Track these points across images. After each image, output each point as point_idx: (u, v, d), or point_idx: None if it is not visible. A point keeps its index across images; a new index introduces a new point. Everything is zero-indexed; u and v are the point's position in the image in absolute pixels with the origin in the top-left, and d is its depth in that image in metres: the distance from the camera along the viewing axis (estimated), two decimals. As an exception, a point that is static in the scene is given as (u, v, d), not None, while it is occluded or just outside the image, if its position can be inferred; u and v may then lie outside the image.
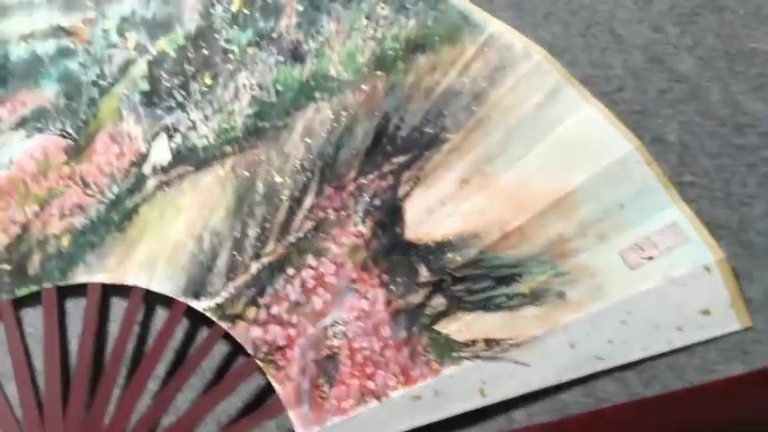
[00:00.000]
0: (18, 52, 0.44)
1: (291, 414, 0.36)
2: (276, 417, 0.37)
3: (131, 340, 0.40)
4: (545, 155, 0.39)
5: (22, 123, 0.43)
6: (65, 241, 0.41)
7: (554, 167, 0.39)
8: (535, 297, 0.37)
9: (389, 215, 0.39)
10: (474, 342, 0.37)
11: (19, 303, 0.40)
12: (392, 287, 0.38)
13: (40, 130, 0.43)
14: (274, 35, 0.43)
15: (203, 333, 0.40)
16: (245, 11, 0.44)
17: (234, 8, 0.44)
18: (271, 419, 0.38)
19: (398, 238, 0.39)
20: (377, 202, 0.40)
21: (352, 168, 0.40)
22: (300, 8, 0.43)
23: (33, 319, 0.41)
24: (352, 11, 0.43)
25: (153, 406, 0.38)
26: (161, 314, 0.41)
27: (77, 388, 0.38)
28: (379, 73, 0.41)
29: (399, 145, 0.40)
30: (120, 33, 0.44)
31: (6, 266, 0.41)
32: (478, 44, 0.41)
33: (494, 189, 0.39)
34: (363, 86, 0.41)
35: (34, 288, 0.40)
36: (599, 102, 0.39)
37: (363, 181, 0.40)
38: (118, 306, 0.41)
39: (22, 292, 0.40)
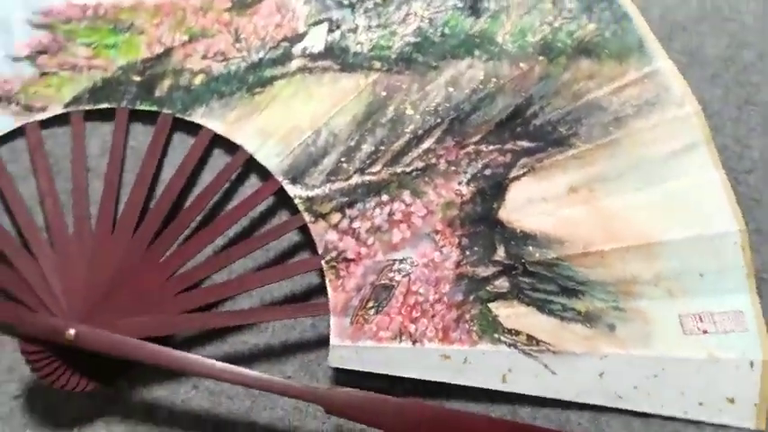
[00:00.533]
0: None
1: (332, 320, 0.38)
2: (316, 316, 0.39)
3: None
4: (655, 198, 0.40)
5: (202, -44, 0.44)
6: (197, 79, 0.43)
7: (658, 213, 0.39)
8: (588, 318, 0.39)
9: (493, 189, 0.40)
10: (517, 333, 0.38)
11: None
12: (467, 252, 0.40)
13: (215, -28, 0.44)
14: (461, -20, 0.43)
15: (281, 216, 0.42)
16: (444, -54, 0.44)
17: (434, -61, 0.44)
18: (310, 317, 0.39)
19: (492, 213, 0.40)
20: (487, 172, 0.41)
21: (479, 133, 0.41)
22: (495, -34, 0.43)
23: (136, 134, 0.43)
24: (541, -11, 0.43)
25: (212, 259, 0.40)
26: (253, 182, 0.42)
27: (153, 217, 0.40)
28: (540, 58, 0.42)
29: (530, 131, 0.41)
30: None
31: (137, 78, 0.43)
32: (642, 73, 0.41)
33: (595, 208, 0.40)
34: (522, 64, 0.42)
35: (154, 108, 0.42)
36: (726, 174, 0.40)
37: (483, 148, 0.41)
38: (221, 159, 0.43)
39: (143, 106, 0.42)
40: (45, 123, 0.41)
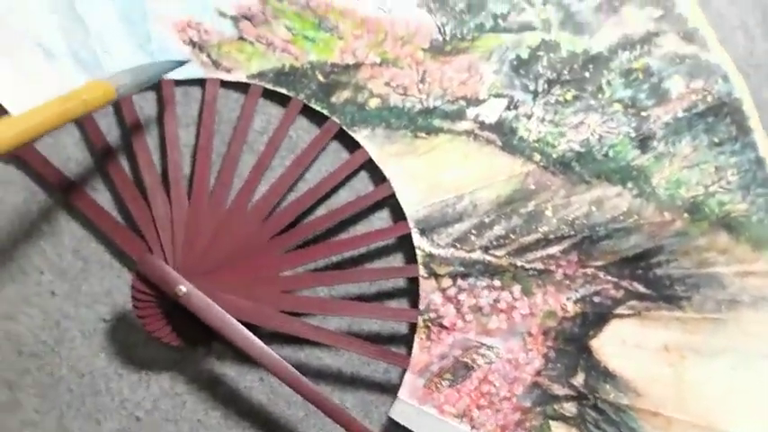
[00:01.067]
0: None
1: (407, 376, 0.40)
2: (392, 364, 0.41)
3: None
4: (736, 389, 0.41)
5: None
6: (373, 102, 0.44)
7: (732, 404, 0.41)
8: (632, 472, 0.40)
9: (595, 316, 0.42)
10: (564, 463, 0.40)
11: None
12: (549, 365, 0.41)
13: (429, 10, 0.46)
14: (643, 113, 0.45)
15: (396, 260, 0.44)
16: (640, 75, 0.45)
17: (635, 65, 0.45)
18: (388, 363, 0.41)
19: (585, 338, 0.41)
20: (596, 298, 0.42)
21: (603, 259, 0.43)
22: (680, 114, 0.44)
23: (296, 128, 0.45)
24: (711, 153, 0.44)
25: (324, 273, 0.43)
26: (383, 216, 0.44)
27: (291, 209, 0.43)
28: (685, 215, 0.43)
29: (649, 278, 0.43)
30: (545, 1, 0.45)
31: (321, 78, 0.44)
32: (771, 268, 0.42)
33: (679, 374, 0.41)
34: (666, 213, 0.43)
35: (325, 112, 0.44)
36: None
37: (601, 275, 0.42)
38: (362, 182, 0.44)
39: (316, 106, 0.44)
40: (225, 84, 0.42)
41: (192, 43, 0.43)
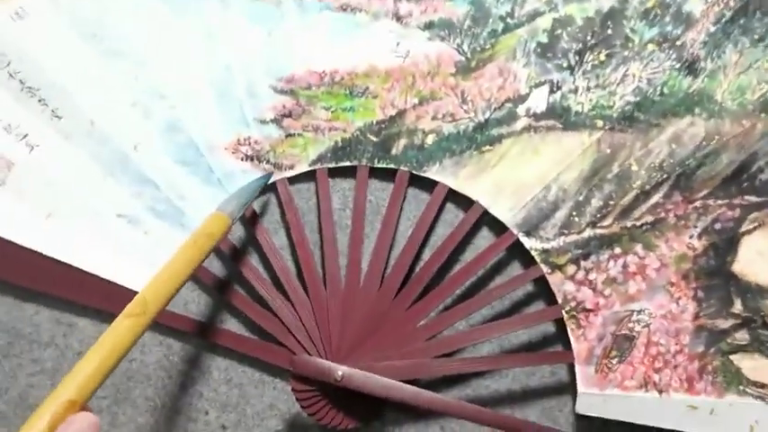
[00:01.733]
0: (447, -35, 0.48)
1: (578, 369, 0.39)
2: (557, 363, 0.41)
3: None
4: None
5: (428, 26, 0.47)
6: (430, 139, 0.45)
7: None
8: (830, 372, 0.39)
9: (725, 242, 0.41)
10: (763, 385, 0.39)
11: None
12: (704, 305, 0.40)
13: (441, 39, 0.47)
14: (678, 42, 0.45)
15: (513, 267, 0.44)
16: (659, 11, 0.46)
17: (649, 4, 0.46)
18: (554, 363, 0.41)
19: (725, 266, 0.41)
20: (717, 226, 0.41)
21: (706, 187, 0.42)
22: (712, 29, 0.45)
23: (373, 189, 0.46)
24: (758, 50, 0.44)
25: (452, 311, 0.42)
26: (485, 235, 0.44)
27: (398, 269, 0.43)
28: (762, 115, 0.43)
29: (756, 186, 0.42)
30: (540, -16, 0.47)
31: (374, 138, 0.45)
32: None
33: (829, 262, 0.40)
34: (744, 121, 0.43)
35: (391, 166, 0.45)
36: None
37: (711, 202, 0.42)
38: (450, 213, 0.45)
39: (381, 164, 0.45)
40: (292, 180, 0.44)
41: (249, 157, 0.45)
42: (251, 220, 0.43)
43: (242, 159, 0.45)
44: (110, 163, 0.45)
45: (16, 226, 0.44)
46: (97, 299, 0.43)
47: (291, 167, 0.45)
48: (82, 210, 0.44)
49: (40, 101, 0.45)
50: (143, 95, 0.45)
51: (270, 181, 0.44)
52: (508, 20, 0.45)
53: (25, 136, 0.45)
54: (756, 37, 0.43)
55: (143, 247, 0.44)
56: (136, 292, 0.31)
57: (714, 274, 0.40)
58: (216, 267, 0.43)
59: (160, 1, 0.45)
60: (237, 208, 0.37)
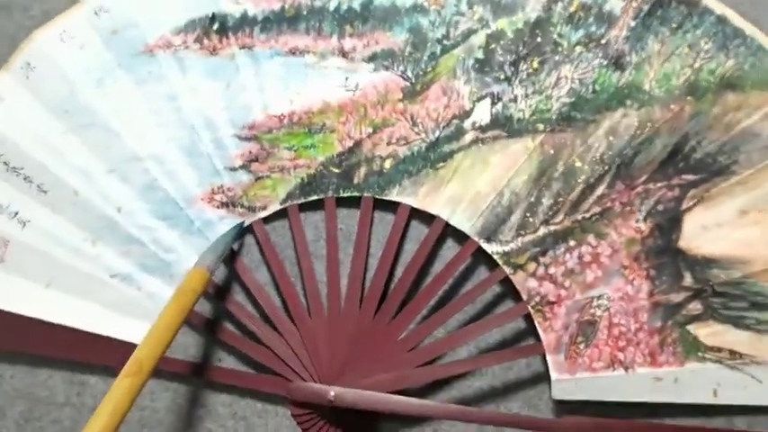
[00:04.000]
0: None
1: (549, 358, 0.42)
2: (531, 356, 0.43)
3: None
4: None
5: (372, 58, 0.50)
6: (387, 164, 0.48)
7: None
8: (781, 328, 0.41)
9: (669, 222, 0.44)
10: (720, 349, 0.41)
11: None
12: (657, 282, 0.43)
13: (386, 68, 0.49)
14: (603, 41, 0.47)
15: (479, 272, 0.47)
16: (581, 14, 0.48)
17: (572, 8, 0.48)
18: (527, 357, 0.44)
19: (672, 244, 0.43)
20: (660, 207, 0.44)
21: (645, 173, 0.45)
22: (632, 24, 0.47)
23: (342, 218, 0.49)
24: (677, 37, 0.47)
25: (429, 321, 0.44)
26: (450, 245, 0.47)
27: (374, 289, 0.45)
28: (688, 98, 0.45)
29: (691, 165, 0.44)
30: (469, 5, 0.49)
31: (336, 170, 0.48)
32: (787, 96, 0.44)
33: (766, 226, 0.43)
34: (672, 106, 0.45)
35: (355, 194, 0.47)
36: None
37: (651, 186, 0.44)
38: (416, 229, 0.48)
39: (346, 194, 0.48)
40: (266, 220, 0.47)
41: (224, 204, 0.48)
42: (231, 261, 0.46)
43: (218, 207, 0.47)
44: (97, 228, 0.47)
45: (19, 298, 0.46)
46: (104, 356, 0.46)
47: (264, 208, 0.47)
48: (77, 275, 0.47)
49: (25, 179, 0.48)
50: (118, 162, 0.48)
51: (246, 224, 0.46)
52: (445, 42, 0.48)
53: (16, 213, 0.48)
54: (675, 25, 0.45)
55: (138, 302, 0.47)
56: (136, 345, 0.34)
57: (662, 252, 0.42)
58: (207, 310, 0.46)
59: (123, 71, 0.48)
60: (214, 260, 0.40)
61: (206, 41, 0.48)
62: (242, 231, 0.46)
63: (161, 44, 0.48)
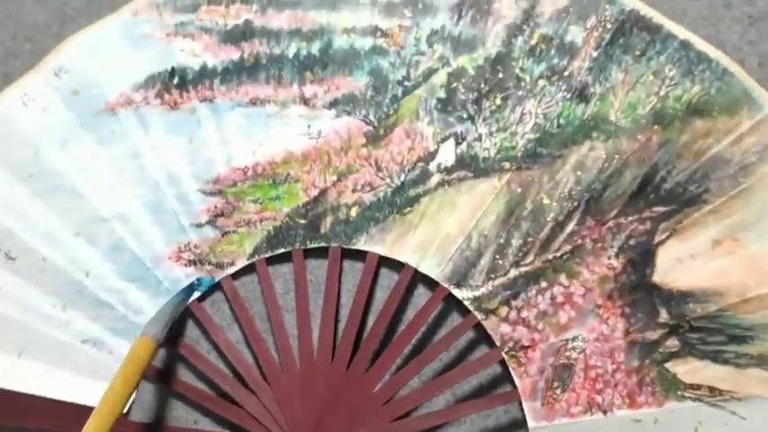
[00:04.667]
0: (340, 42, 0.50)
1: (525, 405, 0.42)
2: (508, 403, 0.43)
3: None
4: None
5: (333, 104, 0.50)
6: (353, 211, 0.48)
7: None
8: (762, 361, 0.40)
9: (641, 256, 0.43)
10: (699, 386, 0.41)
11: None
12: (632, 320, 0.42)
13: (348, 113, 0.49)
14: (566, 73, 0.47)
15: (452, 318, 0.47)
16: (543, 46, 0.48)
17: (533, 41, 0.48)
18: (503, 405, 0.43)
19: (646, 279, 0.43)
20: (632, 242, 0.44)
21: (615, 207, 0.44)
22: (595, 54, 0.47)
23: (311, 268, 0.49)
24: (641, 65, 0.46)
25: (403, 372, 0.44)
26: (421, 292, 0.47)
27: (346, 340, 0.45)
28: (655, 127, 0.45)
29: (662, 196, 0.44)
30: (429, 44, 0.49)
31: (302, 221, 0.48)
32: (755, 120, 0.44)
33: (742, 256, 0.42)
34: (639, 136, 0.45)
35: (323, 244, 0.47)
36: None
37: (623, 220, 0.44)
38: (386, 276, 0.47)
39: (313, 244, 0.48)
40: (235, 275, 0.47)
41: (191, 262, 0.48)
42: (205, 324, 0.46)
43: (185, 265, 0.48)
44: (67, 293, 0.48)
45: (-9, 370, 0.47)
46: (78, 425, 0.46)
47: (232, 263, 0.47)
48: (49, 343, 0.47)
49: (-7, 246, 0.48)
50: (84, 224, 0.48)
51: (216, 280, 0.46)
52: (406, 83, 0.48)
53: (-14, 283, 0.48)
54: (638, 53, 0.45)
55: (110, 365, 0.47)
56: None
57: (637, 288, 0.42)
58: (183, 374, 0.46)
59: (86, 131, 0.48)
60: (160, 329, 0.40)
61: (166, 96, 0.48)
62: (213, 286, 0.46)
63: (122, 101, 0.48)
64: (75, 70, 0.48)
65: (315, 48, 0.48)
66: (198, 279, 0.46)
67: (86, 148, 0.48)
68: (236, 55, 0.48)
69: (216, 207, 0.48)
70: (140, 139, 0.48)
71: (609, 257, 0.42)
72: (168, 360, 0.47)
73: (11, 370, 0.46)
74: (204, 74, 0.49)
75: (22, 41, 0.50)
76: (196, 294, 0.46)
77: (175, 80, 0.48)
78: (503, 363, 0.42)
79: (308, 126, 0.48)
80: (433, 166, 0.46)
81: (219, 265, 0.47)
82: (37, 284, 0.47)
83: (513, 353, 0.42)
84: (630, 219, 0.43)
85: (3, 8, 0.50)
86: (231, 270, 0.47)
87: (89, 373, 0.46)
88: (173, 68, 0.48)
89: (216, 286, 0.47)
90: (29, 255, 0.47)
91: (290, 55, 0.48)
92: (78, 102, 0.48)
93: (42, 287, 0.47)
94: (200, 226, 0.47)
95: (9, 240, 0.47)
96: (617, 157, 0.44)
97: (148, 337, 0.39)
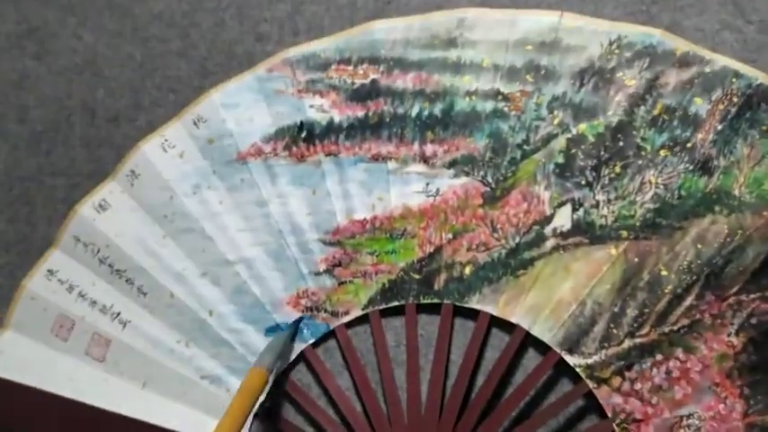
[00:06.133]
0: (462, 105, 0.54)
1: (637, 481, 0.43)
2: (617, 476, 0.44)
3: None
4: None
5: (452, 164, 0.53)
6: (467, 270, 0.51)
7: None
8: None
9: (763, 336, 0.44)
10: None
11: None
12: (751, 401, 0.43)
13: (466, 174, 0.53)
14: (689, 145, 0.49)
15: (561, 384, 0.48)
16: (665, 117, 0.50)
17: (655, 112, 0.50)
18: (612, 478, 0.44)
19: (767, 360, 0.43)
20: (753, 320, 0.44)
21: (736, 283, 0.45)
22: (719, 127, 0.49)
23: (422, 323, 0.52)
24: (766, 139, 0.48)
25: None
26: (531, 355, 0.49)
27: (454, 398, 0.47)
28: (782, 204, 0.46)
29: (787, 276, 0.45)
30: (550, 110, 0.52)
31: (416, 276, 0.51)
32: None
33: None
34: (765, 213, 0.46)
35: (435, 300, 0.51)
36: None
37: (744, 297, 0.45)
38: (496, 337, 0.50)
39: (426, 300, 0.51)
40: (348, 324, 0.51)
41: (308, 308, 0.53)
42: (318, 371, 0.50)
43: (303, 311, 0.52)
44: (191, 330, 0.53)
45: (117, 397, 0.52)
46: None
47: (347, 313, 0.51)
48: (171, 376, 0.52)
49: (127, 281, 0.54)
50: (211, 265, 0.53)
51: (331, 328, 0.51)
52: (525, 147, 0.51)
53: (118, 314, 0.54)
54: (765, 128, 0.47)
55: (225, 403, 0.51)
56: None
57: (757, 368, 0.43)
58: (291, 416, 0.50)
59: (217, 178, 0.54)
60: (272, 360, 0.44)
61: (294, 149, 0.53)
62: (327, 334, 0.51)
63: (252, 152, 0.54)
64: (213, 120, 0.54)
65: (437, 109, 0.52)
66: (307, 316, 0.50)
67: (217, 194, 0.54)
68: (361, 112, 0.53)
69: (334, 257, 0.52)
70: (267, 188, 0.53)
71: (729, 335, 0.43)
72: (277, 401, 0.51)
73: (135, 399, 0.51)
74: (331, 129, 0.53)
75: (166, 92, 0.56)
76: (309, 337, 0.51)
77: (303, 134, 0.53)
78: (613, 436, 0.43)
79: (427, 184, 0.51)
80: (548, 230, 0.48)
81: (335, 314, 0.51)
82: (164, 319, 0.53)
83: (625, 425, 0.43)
84: (752, 296, 0.44)
85: (151, 63, 0.57)
86: (346, 319, 0.51)
87: (204, 408, 0.51)
88: (302, 123, 0.53)
89: (330, 334, 0.51)
90: (158, 291, 0.53)
91: (413, 114, 0.52)
92: (213, 150, 0.54)
93: (169, 322, 0.53)
94: (318, 274, 0.52)
95: (142, 276, 0.53)
96: (740, 232, 0.45)
97: (262, 368, 0.43)
